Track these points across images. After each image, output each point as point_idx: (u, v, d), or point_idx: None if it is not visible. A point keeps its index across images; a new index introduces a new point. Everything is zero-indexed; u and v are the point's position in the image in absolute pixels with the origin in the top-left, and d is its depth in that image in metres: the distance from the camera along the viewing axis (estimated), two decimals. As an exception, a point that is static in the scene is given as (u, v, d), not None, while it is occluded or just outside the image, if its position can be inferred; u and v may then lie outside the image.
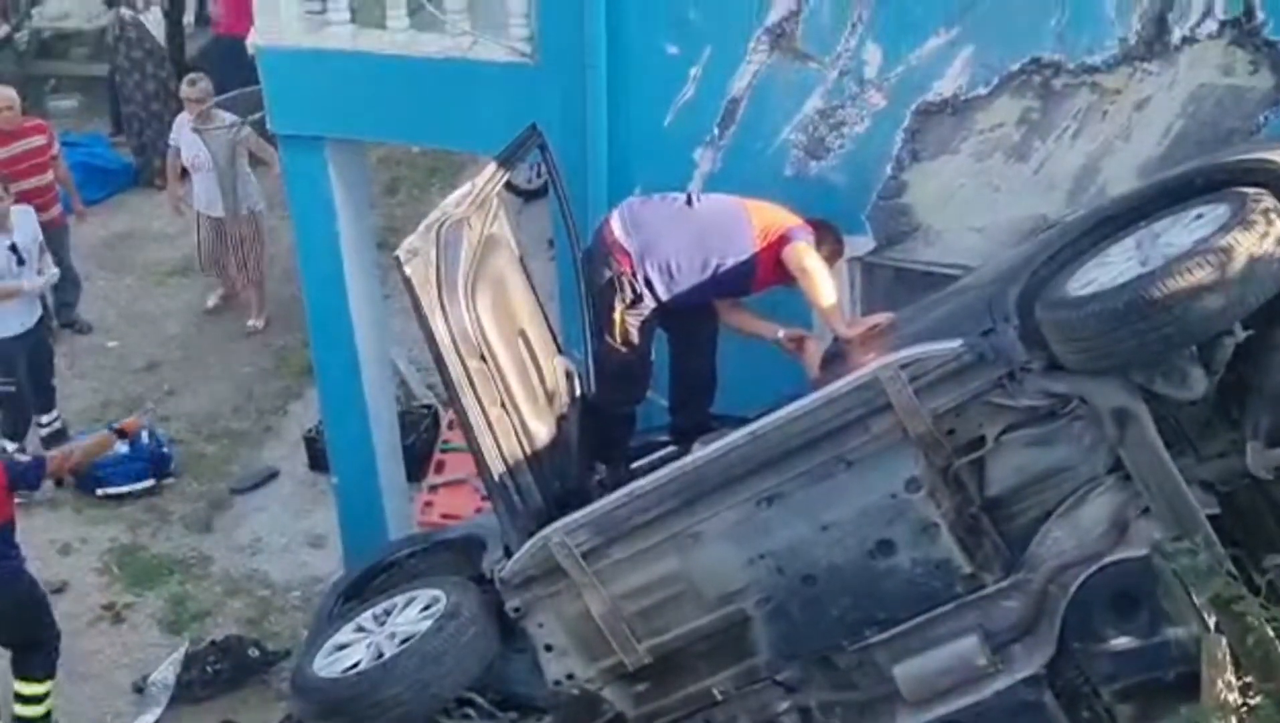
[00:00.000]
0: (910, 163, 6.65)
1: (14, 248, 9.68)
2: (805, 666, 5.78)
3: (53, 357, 10.52)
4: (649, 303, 6.29)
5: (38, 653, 8.09)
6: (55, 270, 10.30)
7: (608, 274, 6.30)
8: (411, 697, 5.76)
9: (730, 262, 6.26)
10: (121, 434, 8.80)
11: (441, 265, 5.89)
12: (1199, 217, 5.03)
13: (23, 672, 8.12)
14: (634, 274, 6.25)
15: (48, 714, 8.19)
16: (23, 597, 8.03)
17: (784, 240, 6.21)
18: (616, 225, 6.33)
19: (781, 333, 6.57)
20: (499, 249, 6.35)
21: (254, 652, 8.66)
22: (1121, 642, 5.38)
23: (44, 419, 10.32)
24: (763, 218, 6.32)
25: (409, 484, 9.32)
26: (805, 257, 6.17)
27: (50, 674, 8.16)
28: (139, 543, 9.73)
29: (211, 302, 11.93)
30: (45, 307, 10.50)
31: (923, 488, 5.38)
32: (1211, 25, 5.97)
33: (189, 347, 11.58)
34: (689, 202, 6.45)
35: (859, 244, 6.84)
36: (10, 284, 9.76)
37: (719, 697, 5.89)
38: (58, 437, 10.21)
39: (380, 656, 5.97)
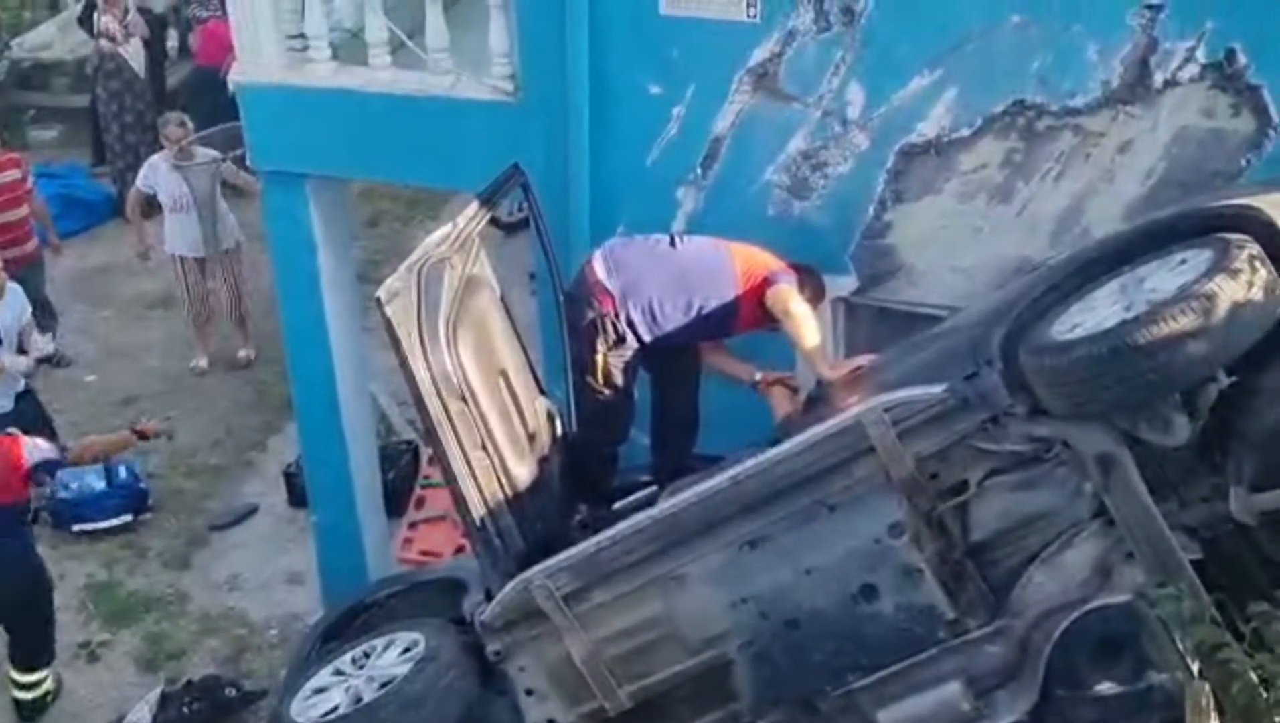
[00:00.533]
0: (893, 203, 6.65)
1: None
2: (788, 710, 5.73)
3: (50, 425, 9.84)
4: (632, 344, 6.27)
5: (38, 637, 8.09)
6: (42, 350, 9.81)
7: (590, 315, 6.27)
8: (391, 743, 5.70)
9: (713, 303, 6.26)
10: (141, 436, 8.81)
11: (423, 306, 5.86)
12: (1183, 262, 5.01)
13: (23, 661, 8.17)
14: (617, 315, 6.23)
15: (46, 694, 8.25)
16: (32, 575, 8.08)
17: (767, 283, 6.21)
18: (599, 266, 6.31)
19: (759, 376, 6.57)
20: (480, 289, 6.32)
21: (231, 692, 8.58)
22: (1105, 688, 5.36)
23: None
24: (745, 260, 6.31)
25: (389, 520, 9.28)
26: (789, 299, 6.17)
27: (50, 660, 8.24)
28: (115, 580, 9.64)
29: (202, 364, 11.67)
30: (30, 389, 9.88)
31: (906, 533, 5.35)
32: (1193, 69, 5.99)
33: (168, 380, 11.52)
34: (672, 243, 6.44)
35: (842, 284, 6.85)
36: None
37: (701, 742, 5.83)
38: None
39: (359, 700, 5.91)
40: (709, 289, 6.27)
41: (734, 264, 6.30)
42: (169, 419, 9.95)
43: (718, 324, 6.34)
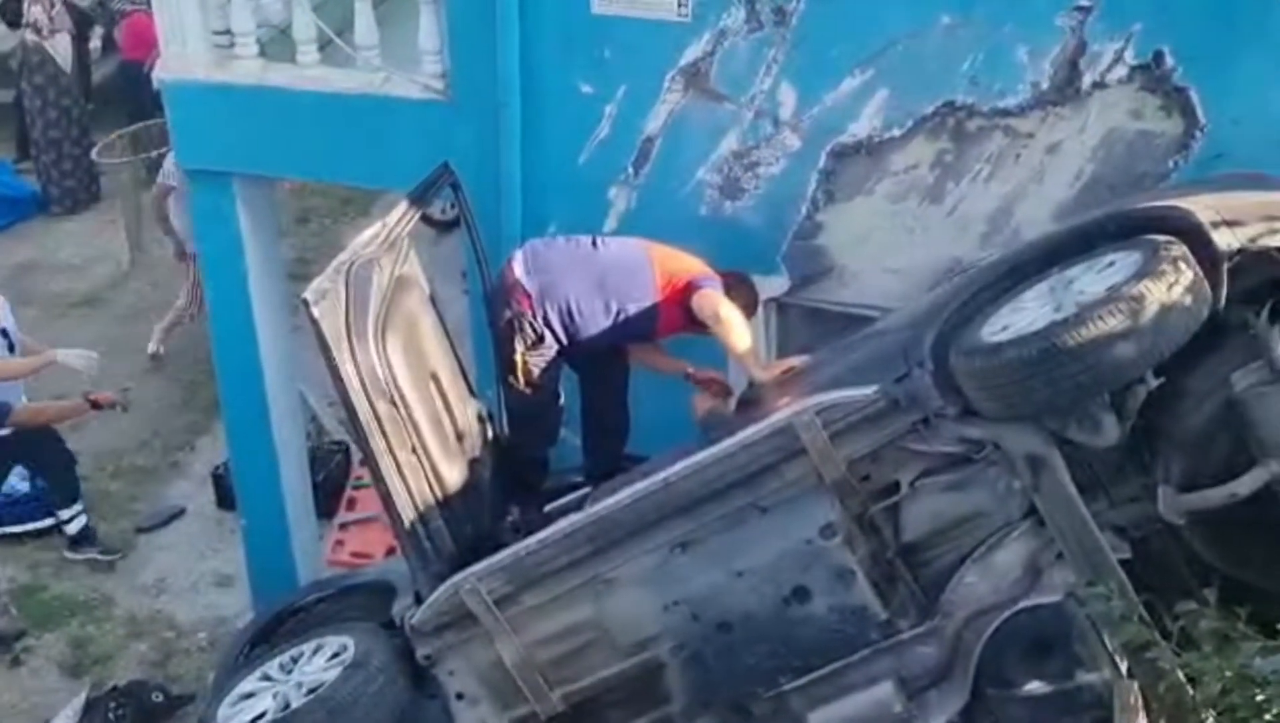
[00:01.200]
0: (825, 204, 6.65)
1: (4, 333, 8.94)
2: (720, 713, 5.71)
3: (62, 443, 9.47)
4: (551, 344, 6.22)
5: None
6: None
7: (508, 314, 6.23)
8: (318, 749, 5.63)
9: (631, 307, 6.22)
10: (95, 405, 8.71)
11: (350, 307, 5.79)
12: (1111, 263, 5.04)
13: None
14: (534, 315, 6.18)
15: None
16: None
17: (691, 288, 6.18)
18: (518, 266, 6.27)
19: (690, 369, 6.55)
20: (410, 290, 6.26)
21: (158, 697, 8.43)
22: (1035, 687, 5.38)
23: (65, 514, 9.49)
24: (667, 264, 6.28)
25: (319, 521, 9.19)
26: (718, 304, 6.13)
27: None
28: (39, 583, 9.47)
29: (159, 348, 11.45)
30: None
31: (838, 534, 5.35)
32: (1122, 70, 6.02)
33: (95, 380, 11.23)
34: (594, 244, 6.39)
35: (774, 285, 6.84)
36: (38, 357, 8.94)
37: (633, 745, 5.81)
38: (84, 538, 9.52)
39: (287, 706, 5.83)
40: (628, 292, 6.23)
41: (654, 268, 6.25)
42: (126, 390, 9.47)
43: (637, 327, 6.30)
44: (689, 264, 6.31)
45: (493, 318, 6.38)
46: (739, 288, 6.35)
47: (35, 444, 9.13)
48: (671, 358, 6.64)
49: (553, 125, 6.92)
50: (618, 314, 6.23)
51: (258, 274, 7.99)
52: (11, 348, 9.06)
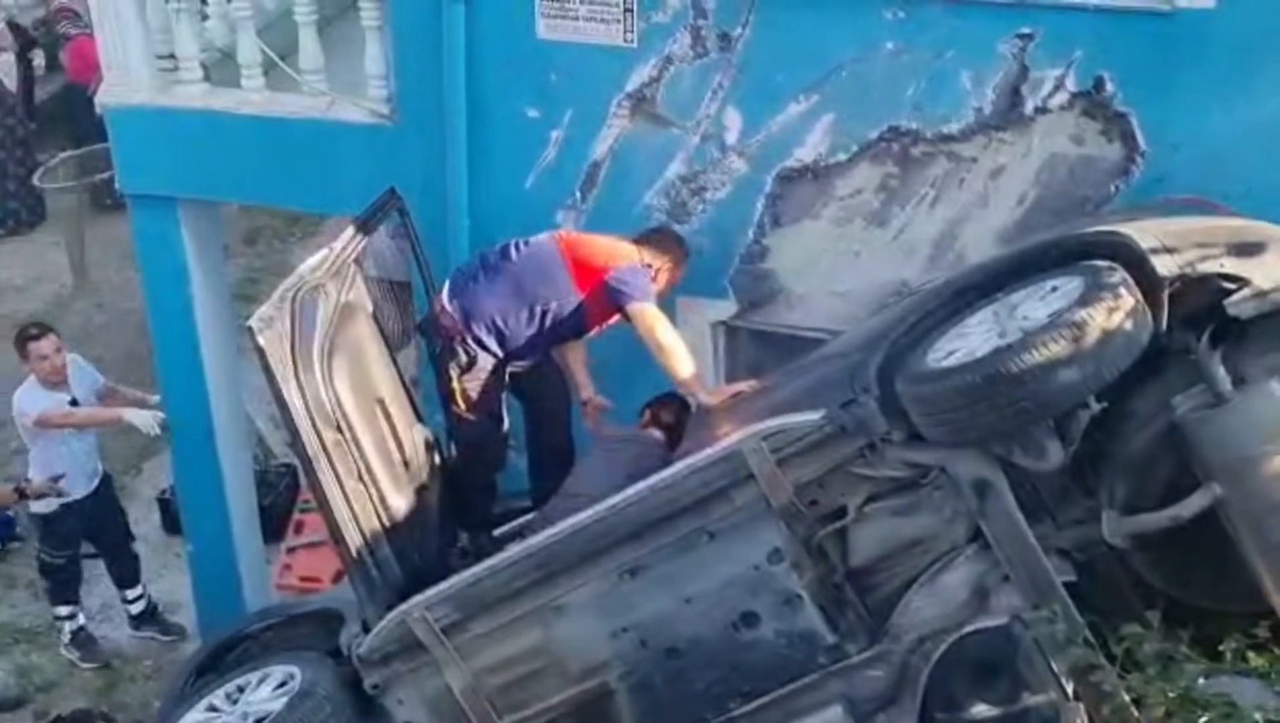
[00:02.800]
0: (772, 228, 6.67)
1: (74, 403, 8.60)
2: (670, 738, 5.72)
3: (125, 519, 9.27)
4: (484, 365, 6.19)
5: None
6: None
7: (439, 342, 6.21)
8: (266, 781, 5.60)
9: (554, 306, 6.16)
10: (22, 495, 8.60)
11: (296, 335, 5.78)
12: (1054, 289, 5.08)
13: None
14: (463, 339, 6.15)
15: None
16: None
17: (619, 296, 6.09)
18: (445, 293, 6.26)
19: (585, 395, 6.58)
20: (356, 316, 6.24)
21: None
22: (982, 710, 5.43)
23: (129, 594, 9.20)
24: (579, 253, 6.19)
25: (267, 545, 9.13)
26: (655, 329, 6.04)
27: None
28: (-18, 611, 9.37)
29: None
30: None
31: (786, 559, 5.37)
32: (1063, 96, 6.08)
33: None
34: (509, 253, 6.27)
35: (722, 308, 6.86)
36: (107, 412, 8.67)
37: (582, 772, 5.80)
38: (149, 616, 9.22)
39: (233, 736, 5.81)
40: (548, 293, 6.15)
41: (567, 262, 6.16)
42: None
43: (568, 327, 6.23)
44: (604, 251, 6.21)
45: (430, 349, 6.36)
46: (662, 245, 6.34)
47: (99, 521, 8.94)
48: (586, 375, 6.59)
49: (499, 150, 6.92)
50: (543, 316, 6.16)
51: (203, 298, 7.95)
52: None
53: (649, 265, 6.23)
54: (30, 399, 8.55)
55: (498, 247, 6.37)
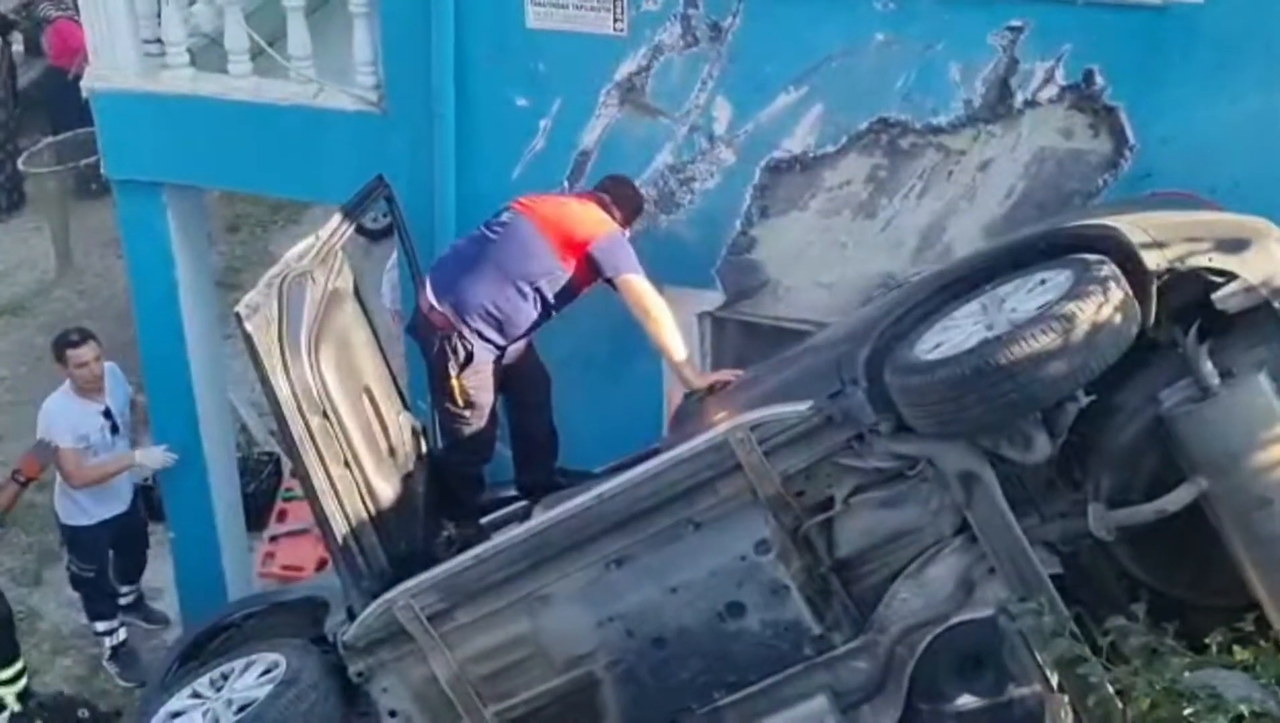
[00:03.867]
0: (759, 219, 6.67)
1: (108, 413, 8.31)
2: (655, 728, 5.73)
3: (146, 531, 9.12)
4: (484, 357, 6.16)
5: None
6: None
7: (435, 342, 6.14)
8: (250, 769, 5.59)
9: (544, 283, 6.13)
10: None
11: (283, 322, 5.76)
12: (1043, 282, 5.09)
13: None
14: (460, 334, 6.10)
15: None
16: None
17: (606, 268, 6.08)
18: (429, 292, 6.18)
19: (702, 382, 6.28)
20: (343, 304, 6.23)
21: (84, 713, 8.28)
22: (967, 702, 5.44)
23: (124, 588, 9.12)
24: (561, 228, 6.15)
25: (250, 534, 9.10)
26: (642, 296, 6.05)
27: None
28: (-39, 598, 9.30)
29: None
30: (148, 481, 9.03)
31: (772, 550, 5.37)
32: (1053, 90, 6.08)
33: (18, 391, 11.14)
34: (486, 235, 6.23)
35: (708, 299, 6.86)
36: (116, 460, 8.34)
37: (566, 761, 5.80)
38: (134, 605, 9.14)
39: (217, 724, 5.79)
40: (534, 270, 6.11)
41: (550, 237, 6.12)
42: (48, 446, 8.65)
43: (562, 299, 6.20)
44: (578, 219, 6.18)
45: (424, 350, 6.29)
46: (625, 195, 6.36)
47: (128, 537, 8.82)
48: (689, 367, 6.29)
49: (487, 138, 6.90)
50: (536, 294, 6.13)
51: (187, 284, 7.91)
52: (115, 429, 8.39)
53: (620, 223, 6.25)
54: (61, 411, 8.22)
55: (470, 235, 6.35)
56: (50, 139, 10.83)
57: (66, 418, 8.21)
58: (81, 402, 8.25)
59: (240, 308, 5.67)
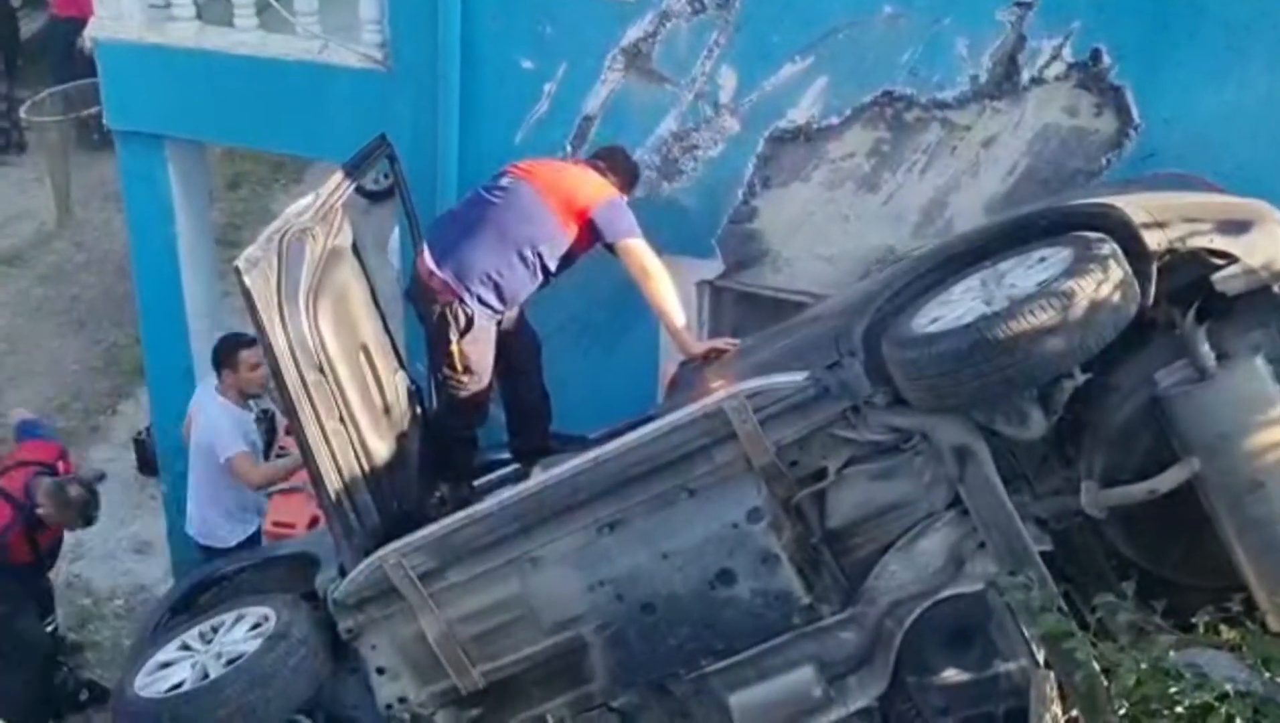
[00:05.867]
0: (761, 189, 6.66)
1: (261, 417, 7.92)
2: (641, 693, 5.74)
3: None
4: (485, 324, 6.14)
5: None
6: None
7: (436, 309, 6.12)
8: (237, 721, 5.58)
9: (544, 248, 6.12)
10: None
11: (282, 277, 5.73)
12: (1043, 259, 5.09)
13: None
14: (462, 300, 6.08)
15: None
16: None
17: (607, 233, 6.10)
18: (428, 259, 6.13)
19: (699, 350, 6.28)
20: (342, 262, 6.20)
21: (84, 695, 8.24)
22: (953, 675, 5.44)
23: None
24: (561, 193, 6.14)
25: (243, 491, 9.09)
26: (643, 260, 6.07)
27: None
28: (-47, 548, 9.29)
29: None
30: None
31: (764, 519, 5.38)
32: (1059, 67, 6.08)
33: (15, 341, 11.16)
34: (485, 200, 6.20)
35: (708, 267, 6.85)
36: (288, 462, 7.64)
37: (553, 723, 5.82)
38: None
39: (205, 676, 5.79)
40: (534, 234, 6.10)
41: (551, 203, 6.11)
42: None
43: (560, 262, 6.19)
44: (578, 185, 6.19)
45: (422, 315, 6.26)
46: (622, 163, 6.38)
47: None
48: (685, 335, 6.27)
49: (492, 100, 6.89)
50: (537, 259, 6.12)
51: (187, 238, 7.92)
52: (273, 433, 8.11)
53: (619, 189, 6.26)
54: (232, 420, 7.62)
55: (467, 198, 6.33)
56: (55, 88, 10.79)
57: (238, 425, 7.66)
58: (238, 407, 7.71)
59: (240, 262, 5.65)
